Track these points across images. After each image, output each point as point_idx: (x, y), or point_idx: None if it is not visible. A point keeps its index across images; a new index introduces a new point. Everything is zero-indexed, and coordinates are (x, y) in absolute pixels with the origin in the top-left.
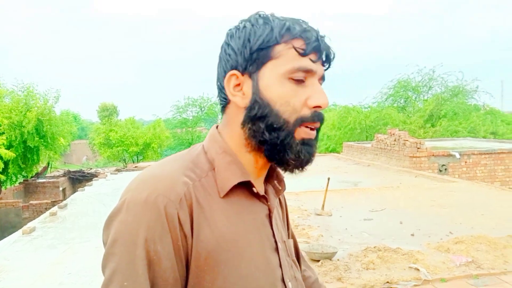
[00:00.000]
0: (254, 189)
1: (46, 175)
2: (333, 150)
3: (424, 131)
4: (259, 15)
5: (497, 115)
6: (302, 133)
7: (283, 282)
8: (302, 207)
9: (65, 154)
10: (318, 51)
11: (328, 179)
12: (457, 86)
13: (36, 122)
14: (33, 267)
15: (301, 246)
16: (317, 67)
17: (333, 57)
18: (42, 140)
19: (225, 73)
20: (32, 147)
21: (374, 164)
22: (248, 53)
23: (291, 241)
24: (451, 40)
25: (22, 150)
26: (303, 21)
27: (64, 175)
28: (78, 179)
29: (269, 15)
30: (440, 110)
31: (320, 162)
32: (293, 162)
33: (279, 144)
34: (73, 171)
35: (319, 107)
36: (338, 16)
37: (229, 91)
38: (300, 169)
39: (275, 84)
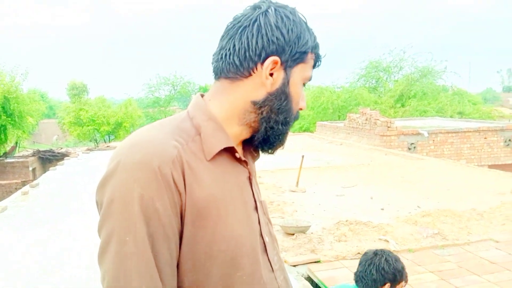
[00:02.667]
0: (237, 154)
1: (14, 155)
2: (307, 130)
3: (395, 111)
4: (298, 13)
5: (464, 95)
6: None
7: (261, 237)
8: (277, 184)
9: (33, 134)
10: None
11: (302, 157)
12: (426, 67)
13: (3, 100)
14: (7, 246)
15: (276, 221)
16: None
17: None
18: (9, 119)
19: (265, 51)
20: None
21: (346, 143)
22: (295, 50)
23: (265, 201)
24: (420, 19)
25: None
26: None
27: (33, 154)
28: (49, 159)
29: (294, 11)
30: (410, 91)
31: (294, 141)
32: (276, 148)
33: (279, 136)
34: (43, 151)
35: (301, 109)
36: None
37: (266, 73)
38: (274, 151)
39: (298, 84)
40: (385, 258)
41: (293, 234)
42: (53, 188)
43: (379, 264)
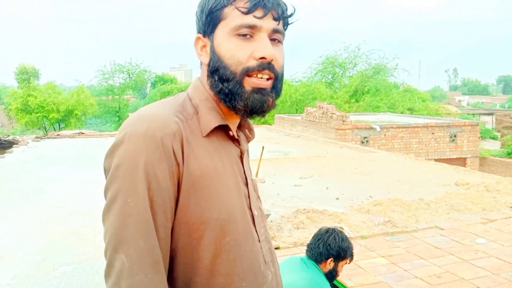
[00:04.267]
0: (230, 132)
1: None
2: (265, 122)
3: (349, 106)
4: None
5: (414, 93)
6: (251, 83)
7: (250, 210)
8: None
9: None
10: (264, 7)
11: (263, 148)
12: (379, 64)
13: None
14: None
15: None
16: (263, 23)
17: (286, 13)
18: None
19: (197, 32)
20: None
21: (303, 136)
22: (204, 17)
23: (255, 180)
24: (373, 15)
25: None
26: None
27: None
28: None
29: None
30: (364, 87)
31: None
32: (242, 108)
33: (229, 93)
34: None
35: (263, 58)
36: None
37: (197, 51)
38: (253, 115)
39: (224, 42)
40: (334, 236)
41: None
42: (1, 177)
43: (327, 240)
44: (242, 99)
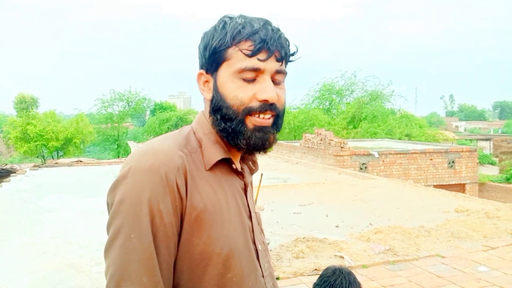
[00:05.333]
0: (233, 165)
1: None
2: None
3: (347, 132)
4: (225, 18)
5: (411, 118)
6: (254, 121)
7: (254, 244)
8: None
9: None
10: (268, 50)
11: (261, 175)
12: (376, 91)
13: None
14: None
15: None
16: (267, 65)
17: (288, 53)
18: None
19: (199, 69)
20: None
21: (302, 162)
22: (208, 55)
23: (259, 213)
24: (368, 46)
25: None
26: (262, 20)
27: None
28: None
29: (233, 18)
30: (361, 113)
31: None
32: (245, 146)
33: (232, 132)
34: None
35: (266, 100)
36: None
37: (200, 86)
38: (256, 152)
39: (227, 82)
40: (341, 279)
41: None
42: None
43: (333, 283)
44: (244, 138)
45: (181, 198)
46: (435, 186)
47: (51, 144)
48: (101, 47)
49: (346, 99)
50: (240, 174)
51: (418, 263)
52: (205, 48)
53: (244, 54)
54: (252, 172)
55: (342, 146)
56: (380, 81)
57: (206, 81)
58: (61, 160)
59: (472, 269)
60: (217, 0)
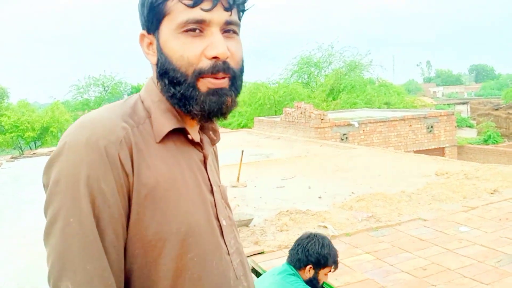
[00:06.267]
0: (189, 136)
1: None
2: (245, 126)
3: (327, 104)
4: None
5: (390, 87)
6: (207, 83)
7: (218, 220)
8: None
9: None
10: None
11: (242, 152)
12: (354, 61)
13: None
14: None
15: None
16: (213, 15)
17: (238, 0)
18: None
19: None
20: None
21: (283, 137)
22: (146, 12)
23: (224, 186)
24: (343, 17)
25: None
26: None
27: None
28: None
29: None
30: (340, 84)
31: (233, 138)
32: (199, 112)
33: (182, 97)
34: None
35: (216, 57)
36: None
37: (143, 50)
38: (211, 118)
39: (170, 40)
40: (314, 242)
41: None
42: None
43: (305, 245)
44: (197, 103)
45: (126, 175)
46: (415, 152)
47: (27, 135)
48: (74, 31)
49: (325, 71)
50: (198, 145)
51: (401, 228)
52: (142, 4)
53: (185, 4)
54: (213, 142)
55: (322, 118)
56: (358, 51)
57: (150, 43)
58: (39, 150)
59: (454, 230)
60: None
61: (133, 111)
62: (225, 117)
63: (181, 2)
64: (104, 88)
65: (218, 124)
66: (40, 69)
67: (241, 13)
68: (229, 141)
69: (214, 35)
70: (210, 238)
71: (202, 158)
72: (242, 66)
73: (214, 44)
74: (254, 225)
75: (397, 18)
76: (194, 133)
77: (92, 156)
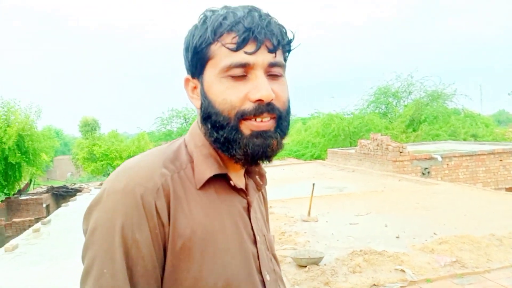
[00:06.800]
0: (231, 182)
1: (28, 192)
2: (318, 157)
3: (406, 136)
4: (206, 12)
5: (477, 118)
6: (250, 126)
7: (260, 274)
8: (289, 213)
9: (48, 170)
10: (256, 39)
11: (313, 185)
12: (436, 90)
13: (17, 138)
14: (17, 285)
15: (288, 253)
16: (257, 58)
17: (282, 41)
18: (23, 156)
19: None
20: (14, 163)
21: (358, 170)
22: (190, 57)
23: (271, 236)
24: (428, 47)
25: (3, 167)
26: (247, 7)
27: (47, 191)
28: (62, 195)
29: (215, 11)
30: (420, 115)
31: (306, 169)
32: (242, 156)
33: (225, 141)
34: (57, 187)
35: (260, 100)
36: (319, 24)
37: (188, 94)
38: (256, 162)
39: (214, 84)
40: None
41: (306, 266)
42: (64, 225)
43: None
44: (240, 147)
45: (162, 225)
46: (507, 190)
47: (115, 163)
48: (159, 70)
49: (404, 101)
50: (241, 191)
51: (490, 276)
52: (186, 49)
53: (228, 48)
54: (259, 188)
55: (400, 150)
56: (440, 80)
57: (195, 87)
58: None
59: None
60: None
61: (176, 156)
62: (269, 161)
63: (225, 46)
64: (185, 120)
65: (291, 156)
66: (131, 102)
67: (287, 53)
68: (301, 172)
69: (258, 78)
70: None
71: (246, 205)
72: (289, 107)
73: (258, 87)
74: (325, 264)
75: (483, 46)
76: (238, 179)
77: (128, 204)
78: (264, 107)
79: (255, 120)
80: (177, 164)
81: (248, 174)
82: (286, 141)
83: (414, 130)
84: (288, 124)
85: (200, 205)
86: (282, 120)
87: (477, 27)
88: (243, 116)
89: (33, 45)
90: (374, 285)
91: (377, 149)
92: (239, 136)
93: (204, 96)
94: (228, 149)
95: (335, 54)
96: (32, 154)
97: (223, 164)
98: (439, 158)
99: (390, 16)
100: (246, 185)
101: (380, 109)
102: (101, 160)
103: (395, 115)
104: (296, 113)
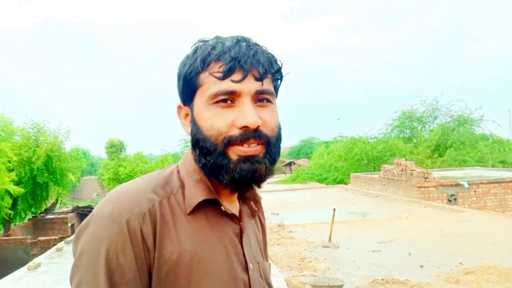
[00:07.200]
0: (222, 207)
1: (55, 211)
2: (341, 181)
3: (432, 161)
4: (198, 43)
5: (505, 144)
6: (237, 151)
7: None
8: (309, 239)
9: (74, 190)
10: (242, 68)
11: (334, 210)
12: (462, 115)
13: (46, 158)
14: None
15: (307, 279)
16: (244, 86)
17: (269, 70)
18: (51, 176)
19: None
20: (41, 183)
21: (382, 195)
22: (181, 85)
23: (267, 263)
24: (453, 70)
25: (31, 186)
26: (236, 38)
27: (73, 211)
28: (87, 215)
29: (206, 41)
30: (446, 140)
31: (327, 194)
32: (228, 182)
33: (212, 166)
34: (82, 207)
35: (246, 127)
36: (342, 48)
37: (181, 120)
38: (244, 187)
39: (202, 111)
40: None
41: None
42: None
43: None
44: (227, 172)
45: (148, 250)
46: None
47: None
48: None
49: (429, 126)
50: (234, 217)
51: None
52: (178, 77)
53: (215, 77)
54: (253, 214)
55: (426, 176)
56: (466, 105)
57: (186, 114)
58: None
59: None
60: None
61: (167, 181)
62: (259, 186)
63: (212, 75)
64: None
65: (313, 180)
66: (156, 124)
67: (278, 81)
68: (323, 197)
69: (244, 105)
70: None
71: (239, 232)
72: (279, 133)
73: (244, 114)
74: None
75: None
76: (231, 204)
77: (113, 230)
78: (250, 134)
79: (242, 145)
80: (167, 190)
81: (243, 200)
82: (303, 164)
83: (440, 156)
84: (278, 151)
85: (189, 230)
86: (271, 146)
87: (505, 51)
88: (230, 142)
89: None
90: None
91: (401, 174)
92: (226, 161)
93: (193, 122)
94: (216, 175)
95: (356, 75)
96: (60, 174)
97: (215, 190)
98: (466, 185)
99: (415, 40)
100: (240, 211)
101: (405, 134)
102: (126, 181)
103: (420, 140)
104: (319, 136)
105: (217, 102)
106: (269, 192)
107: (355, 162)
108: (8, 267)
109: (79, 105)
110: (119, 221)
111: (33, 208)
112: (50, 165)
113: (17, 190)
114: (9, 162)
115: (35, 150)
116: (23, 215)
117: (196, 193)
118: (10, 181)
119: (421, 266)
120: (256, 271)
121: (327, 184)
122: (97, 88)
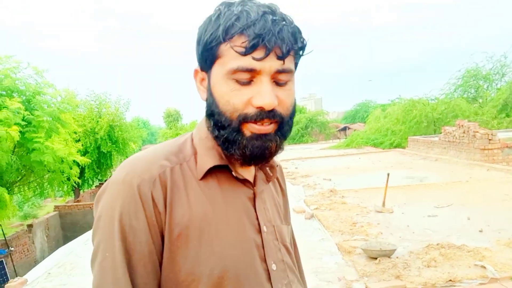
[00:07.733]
0: (233, 173)
1: None
2: (398, 145)
3: (498, 122)
4: (221, 6)
5: None
6: (251, 128)
7: (265, 263)
8: (362, 204)
9: None
10: (265, 46)
11: (388, 174)
12: None
13: (108, 128)
14: None
15: (358, 244)
16: (264, 64)
17: (293, 48)
18: (114, 146)
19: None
20: (105, 152)
21: (442, 159)
22: (200, 51)
23: (285, 227)
24: None
25: (96, 155)
26: (263, 8)
27: None
28: None
29: (231, 5)
30: None
31: (383, 158)
32: (240, 157)
33: (225, 140)
34: None
35: (261, 107)
36: (404, 6)
37: (196, 85)
38: (253, 162)
39: (219, 83)
40: None
41: (376, 258)
42: None
43: None
44: (239, 147)
45: (159, 213)
46: None
47: None
48: None
49: (496, 84)
50: (247, 182)
51: None
52: (198, 42)
53: (237, 52)
54: (268, 179)
55: (490, 138)
56: None
57: (203, 79)
58: None
59: None
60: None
61: (180, 149)
62: (268, 162)
63: (233, 49)
64: None
65: (368, 145)
66: None
67: (299, 57)
68: (378, 162)
69: (262, 84)
70: (251, 283)
71: (252, 196)
72: (293, 111)
73: (262, 95)
74: (397, 257)
75: None
76: (244, 170)
77: (125, 194)
78: (265, 114)
79: (256, 124)
80: (180, 157)
81: (258, 166)
82: (358, 129)
83: (507, 116)
84: (290, 127)
85: (200, 195)
86: (284, 124)
87: None
88: (245, 120)
89: (120, 43)
90: (450, 280)
91: (463, 136)
92: (240, 137)
93: (210, 92)
94: (228, 148)
95: (420, 37)
96: (122, 143)
97: (228, 156)
98: None
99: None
100: (255, 176)
101: (469, 93)
102: None
103: (486, 99)
104: (376, 99)
105: (236, 78)
106: (321, 158)
107: (414, 125)
108: (78, 230)
109: (139, 77)
110: (131, 186)
111: (99, 176)
112: (113, 135)
113: (84, 160)
114: (75, 133)
115: (98, 121)
116: (90, 182)
117: (208, 159)
118: (78, 151)
119: (480, 231)
120: (271, 234)
121: (383, 149)
122: (154, 60)
